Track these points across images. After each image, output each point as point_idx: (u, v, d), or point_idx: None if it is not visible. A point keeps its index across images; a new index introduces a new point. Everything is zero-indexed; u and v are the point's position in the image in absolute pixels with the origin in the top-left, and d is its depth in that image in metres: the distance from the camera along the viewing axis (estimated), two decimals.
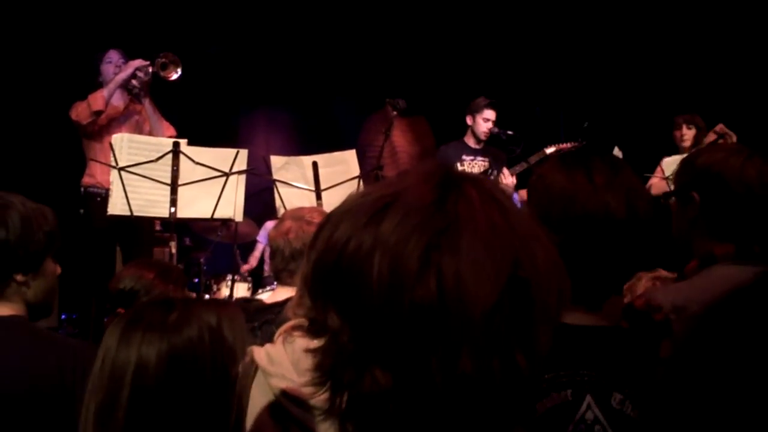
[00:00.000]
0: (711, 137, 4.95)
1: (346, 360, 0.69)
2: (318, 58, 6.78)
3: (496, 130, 5.35)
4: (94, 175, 4.50)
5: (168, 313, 1.21)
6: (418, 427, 0.69)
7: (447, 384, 0.66)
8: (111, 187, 3.73)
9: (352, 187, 3.93)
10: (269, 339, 1.39)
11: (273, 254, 2.34)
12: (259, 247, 5.97)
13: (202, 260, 5.61)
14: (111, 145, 3.76)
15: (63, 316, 5.39)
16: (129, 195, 3.68)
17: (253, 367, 1.33)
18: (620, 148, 5.15)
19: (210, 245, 5.54)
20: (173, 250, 4.09)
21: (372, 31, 6.67)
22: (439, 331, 0.66)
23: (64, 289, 1.95)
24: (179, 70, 4.50)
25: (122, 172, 3.68)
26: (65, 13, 5.71)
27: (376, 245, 0.68)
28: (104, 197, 3.82)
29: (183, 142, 3.84)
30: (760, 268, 1.46)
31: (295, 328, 1.23)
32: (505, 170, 5.26)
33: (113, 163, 3.71)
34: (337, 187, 3.93)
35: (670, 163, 4.64)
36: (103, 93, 4.40)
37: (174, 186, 3.73)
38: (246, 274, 5.71)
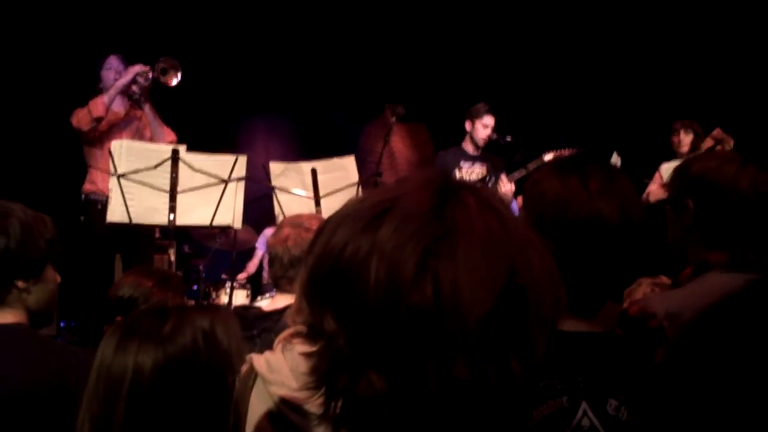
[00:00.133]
0: (709, 143, 4.97)
1: (342, 364, 0.69)
2: (317, 65, 6.80)
3: (495, 136, 5.35)
4: (94, 182, 4.51)
5: (163, 322, 1.21)
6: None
7: (441, 389, 0.67)
8: (110, 194, 3.74)
9: (351, 194, 3.94)
10: (268, 347, 1.39)
11: (272, 261, 2.33)
12: (258, 254, 5.96)
13: (201, 267, 5.62)
14: (110, 152, 3.77)
15: (62, 324, 5.38)
16: (128, 202, 3.69)
17: (253, 375, 1.33)
18: (619, 154, 5.17)
19: (209, 252, 5.54)
20: (172, 257, 4.10)
21: (371, 37, 6.69)
22: (435, 336, 0.66)
23: (64, 297, 1.95)
24: (179, 75, 4.51)
25: (121, 179, 3.69)
26: (65, 20, 5.73)
27: (373, 250, 0.68)
28: (105, 204, 3.82)
29: (182, 148, 3.84)
30: (754, 276, 1.47)
31: (294, 335, 1.23)
32: (504, 177, 5.25)
33: (112, 170, 3.72)
34: (336, 194, 3.94)
35: (668, 169, 4.63)
36: (104, 99, 4.41)
37: (173, 193, 3.74)
38: (244, 281, 5.71)
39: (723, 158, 1.61)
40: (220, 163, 3.82)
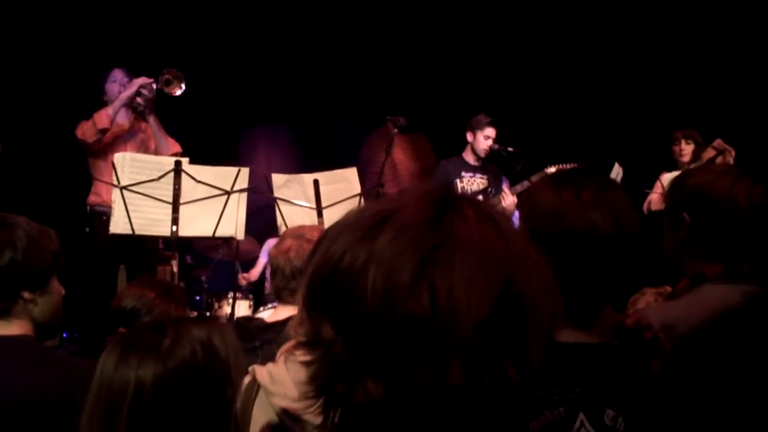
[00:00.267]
0: (710, 153, 4.97)
1: (339, 371, 0.70)
2: (319, 77, 6.83)
3: (496, 146, 5.36)
4: (99, 194, 4.52)
5: (162, 336, 1.22)
6: None
7: (437, 396, 0.67)
8: (113, 205, 3.75)
9: (353, 205, 3.95)
10: (270, 358, 1.41)
11: (274, 273, 2.34)
12: (261, 262, 5.95)
13: (203, 278, 5.62)
14: (113, 164, 3.79)
15: (65, 335, 5.39)
16: (131, 214, 3.70)
17: (256, 387, 1.35)
18: (620, 164, 5.18)
19: (211, 263, 5.55)
20: (175, 269, 4.10)
21: (372, 48, 6.72)
22: (431, 343, 0.67)
23: (67, 308, 1.97)
24: (183, 86, 4.54)
25: (124, 191, 3.71)
26: (70, 33, 5.77)
27: (370, 259, 0.69)
28: (110, 216, 3.84)
29: (185, 160, 3.86)
30: (749, 288, 1.49)
31: (296, 347, 1.24)
32: (507, 189, 5.26)
33: (115, 182, 3.74)
34: (339, 205, 3.94)
35: (669, 178, 4.65)
36: (108, 111, 4.42)
37: (176, 204, 3.75)
38: (247, 290, 5.71)
39: (719, 172, 1.62)
40: (223, 174, 3.84)
